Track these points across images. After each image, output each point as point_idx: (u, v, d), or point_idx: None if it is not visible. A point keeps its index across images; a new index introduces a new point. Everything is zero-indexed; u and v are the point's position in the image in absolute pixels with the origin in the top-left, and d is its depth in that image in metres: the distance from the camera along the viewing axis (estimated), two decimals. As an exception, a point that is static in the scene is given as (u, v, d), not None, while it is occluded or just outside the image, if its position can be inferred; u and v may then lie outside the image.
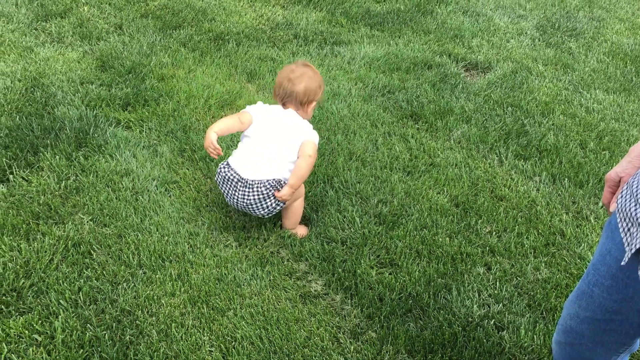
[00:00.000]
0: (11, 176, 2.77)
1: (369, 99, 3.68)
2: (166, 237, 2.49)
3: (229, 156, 2.64)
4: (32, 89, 3.47)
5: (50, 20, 4.26)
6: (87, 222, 2.54)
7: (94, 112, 3.30)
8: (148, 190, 2.76)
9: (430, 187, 2.93)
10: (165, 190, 2.80)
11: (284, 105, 2.47)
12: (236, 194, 2.40)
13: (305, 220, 2.70)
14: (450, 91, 3.83)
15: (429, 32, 4.69)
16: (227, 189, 2.43)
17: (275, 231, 2.59)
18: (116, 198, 2.69)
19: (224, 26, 4.49)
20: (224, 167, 2.44)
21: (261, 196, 2.38)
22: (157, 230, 2.53)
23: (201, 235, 2.53)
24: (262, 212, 2.44)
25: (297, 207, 2.58)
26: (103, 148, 3.01)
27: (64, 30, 4.14)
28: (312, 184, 2.89)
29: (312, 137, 2.43)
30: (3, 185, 2.73)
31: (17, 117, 3.19)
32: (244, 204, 2.41)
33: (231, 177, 2.40)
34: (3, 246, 2.35)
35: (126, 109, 3.42)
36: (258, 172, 2.37)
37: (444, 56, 4.32)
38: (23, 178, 2.77)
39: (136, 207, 2.65)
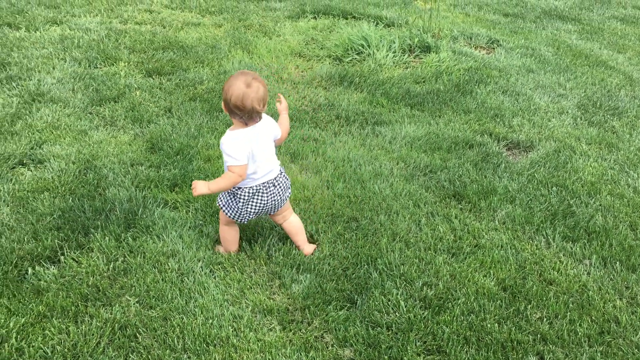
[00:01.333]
0: (62, 257, 2.85)
1: (410, 179, 3.70)
2: (210, 320, 2.49)
3: (251, 188, 2.77)
4: (85, 171, 3.62)
5: (104, 105, 4.48)
6: (134, 304, 2.57)
7: (143, 193, 3.40)
8: (193, 272, 2.79)
9: (476, 270, 2.88)
10: (210, 271, 2.82)
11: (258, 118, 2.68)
12: (283, 192, 2.84)
13: (349, 302, 2.68)
14: (492, 171, 3.82)
15: (469, 111, 4.74)
16: (278, 191, 2.81)
17: (318, 314, 2.56)
18: (162, 279, 2.73)
19: (268, 108, 4.63)
20: (265, 185, 2.76)
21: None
22: (202, 312, 2.54)
23: (245, 318, 2.53)
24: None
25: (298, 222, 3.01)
26: (151, 229, 3.08)
27: (117, 114, 4.34)
28: (355, 266, 2.88)
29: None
30: (54, 266, 2.80)
31: (70, 198, 3.32)
32: (288, 193, 2.90)
33: (276, 181, 2.80)
34: (52, 329, 2.39)
35: (173, 190, 3.51)
36: (274, 164, 2.80)
37: (485, 135, 4.34)
38: (73, 259, 2.84)
39: (181, 289, 2.67)
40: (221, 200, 2.84)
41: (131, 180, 3.55)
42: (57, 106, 4.36)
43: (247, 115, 2.58)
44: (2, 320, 2.44)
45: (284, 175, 2.86)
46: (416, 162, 3.88)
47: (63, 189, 3.41)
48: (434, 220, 3.28)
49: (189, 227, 3.13)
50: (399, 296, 2.67)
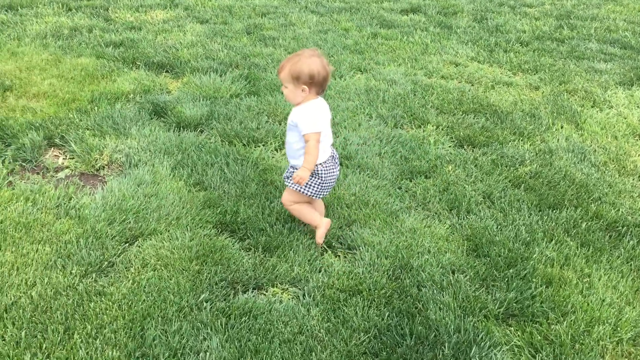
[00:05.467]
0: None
1: None
2: None
3: (325, 162, 3.04)
4: (400, 271, 3.02)
5: (414, 179, 3.91)
6: None
7: (471, 320, 2.67)
8: None
9: None
10: None
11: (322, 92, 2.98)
12: (337, 168, 3.12)
13: None
14: None
15: None
16: (337, 165, 3.11)
17: None
18: None
19: (615, 212, 3.61)
20: (331, 157, 3.07)
21: None
22: None
23: None
24: None
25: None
26: (492, 389, 2.32)
27: (430, 195, 3.72)
28: None
29: None
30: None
31: (387, 312, 2.73)
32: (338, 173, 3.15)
33: (334, 154, 3.11)
34: None
35: (507, 321, 2.73)
36: (331, 139, 3.11)
37: None
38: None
39: None
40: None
41: (453, 295, 2.85)
42: (365, 175, 3.90)
43: (324, 84, 2.90)
44: None
45: (335, 150, 3.15)
46: None
47: (377, 293, 2.84)
48: None
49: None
50: None
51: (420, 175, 3.96)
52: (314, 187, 3.05)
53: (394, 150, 4.26)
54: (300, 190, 3.06)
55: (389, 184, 3.84)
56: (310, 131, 2.87)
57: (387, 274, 3.00)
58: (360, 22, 7.60)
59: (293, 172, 3.04)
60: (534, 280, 2.98)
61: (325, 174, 3.03)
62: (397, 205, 3.61)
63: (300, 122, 2.88)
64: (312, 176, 3.01)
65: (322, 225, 3.17)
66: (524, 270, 3.05)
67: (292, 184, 3.05)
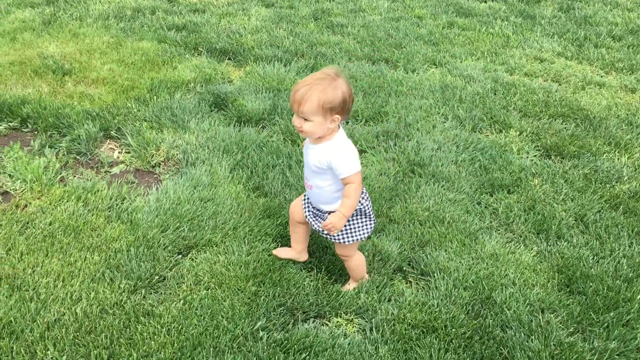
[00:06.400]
0: None
1: None
2: None
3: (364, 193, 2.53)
4: (480, 305, 2.65)
5: (495, 194, 3.50)
6: None
7: (566, 375, 2.29)
8: None
9: None
10: None
11: None
12: None
13: None
14: None
15: None
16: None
17: None
18: None
19: None
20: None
21: None
22: None
23: None
24: None
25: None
26: None
27: (513, 214, 3.31)
28: None
29: None
30: None
31: (467, 356, 2.38)
32: None
33: None
34: None
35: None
36: None
37: None
38: None
39: None
40: (351, 231, 2.54)
41: (544, 341, 2.46)
42: (440, 187, 3.51)
43: (351, 109, 2.40)
44: None
45: None
46: None
47: (455, 333, 2.49)
48: None
49: None
50: None
51: (502, 190, 3.54)
52: (366, 228, 2.57)
53: (472, 158, 3.85)
54: (358, 239, 2.57)
55: (466, 198, 3.45)
56: (353, 172, 2.35)
57: (466, 308, 2.64)
58: (434, 9, 7.11)
59: (353, 222, 2.56)
60: (636, 329, 2.55)
61: (369, 207, 2.55)
62: (476, 224, 3.22)
63: (339, 164, 2.34)
64: (362, 215, 2.53)
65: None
66: (627, 314, 2.62)
67: (349, 238, 2.55)
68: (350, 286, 2.78)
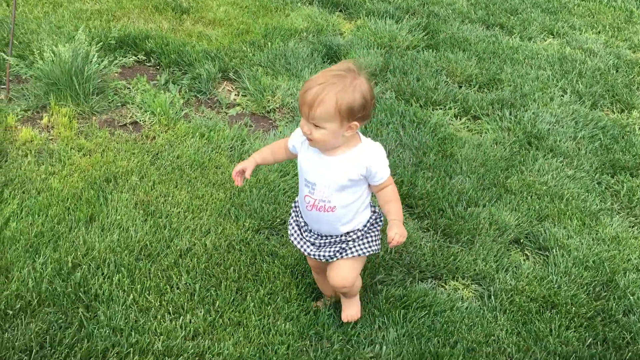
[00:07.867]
0: None
1: None
2: None
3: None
4: (601, 287, 2.60)
5: (617, 175, 3.37)
6: None
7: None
8: None
9: None
10: None
11: None
12: None
13: None
14: None
15: None
16: None
17: None
18: None
19: None
20: None
21: None
22: None
23: None
24: None
25: None
26: None
27: (636, 198, 3.18)
28: None
29: None
30: None
31: (588, 336, 2.34)
32: None
33: None
34: None
35: None
36: None
37: None
38: None
39: None
40: (367, 243, 2.15)
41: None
42: (558, 162, 3.41)
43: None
44: None
45: None
46: None
47: (576, 312, 2.45)
48: None
49: None
50: None
51: (625, 172, 3.41)
52: (378, 239, 2.20)
53: (592, 136, 3.71)
54: (372, 251, 2.17)
55: (586, 176, 3.34)
56: (389, 173, 2.07)
57: (587, 289, 2.59)
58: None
59: (345, 247, 2.12)
60: None
61: (381, 217, 2.21)
62: (597, 204, 3.12)
63: (380, 168, 2.02)
64: (376, 227, 2.20)
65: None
66: None
67: (362, 247, 2.14)
68: (346, 314, 2.29)
